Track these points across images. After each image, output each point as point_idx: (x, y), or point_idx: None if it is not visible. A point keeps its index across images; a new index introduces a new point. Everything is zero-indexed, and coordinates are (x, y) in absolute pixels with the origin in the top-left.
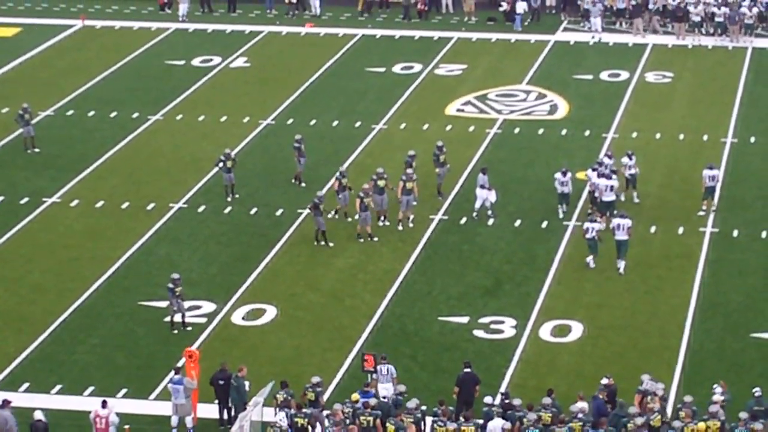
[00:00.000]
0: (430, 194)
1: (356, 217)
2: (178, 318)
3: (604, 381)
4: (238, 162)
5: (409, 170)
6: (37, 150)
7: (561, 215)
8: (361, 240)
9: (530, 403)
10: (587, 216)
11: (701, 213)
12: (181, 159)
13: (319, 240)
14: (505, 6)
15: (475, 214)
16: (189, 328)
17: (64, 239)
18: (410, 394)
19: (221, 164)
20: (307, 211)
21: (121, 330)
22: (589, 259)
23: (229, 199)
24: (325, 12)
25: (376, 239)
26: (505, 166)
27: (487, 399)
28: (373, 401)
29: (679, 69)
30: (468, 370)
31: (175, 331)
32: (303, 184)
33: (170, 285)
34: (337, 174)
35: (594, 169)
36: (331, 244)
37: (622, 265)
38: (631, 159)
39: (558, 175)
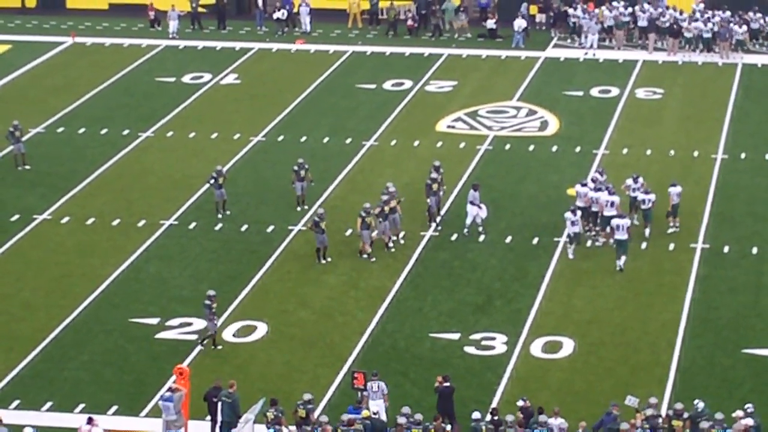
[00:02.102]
0: (420, 211)
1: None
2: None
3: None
4: (228, 179)
5: (392, 189)
6: (27, 167)
7: (571, 256)
8: (365, 257)
9: (521, 420)
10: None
11: (672, 230)
12: (171, 176)
13: (320, 257)
14: (491, 24)
15: (466, 230)
16: (202, 345)
17: (54, 256)
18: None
19: (212, 181)
20: (302, 228)
21: (112, 347)
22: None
23: (219, 216)
24: (315, 29)
25: (373, 259)
26: (496, 182)
27: (475, 414)
28: (354, 417)
29: (670, 85)
30: (447, 384)
31: (219, 347)
32: (306, 207)
33: (207, 302)
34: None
35: (583, 185)
36: (329, 259)
37: (622, 261)
38: (636, 182)
39: (568, 215)
